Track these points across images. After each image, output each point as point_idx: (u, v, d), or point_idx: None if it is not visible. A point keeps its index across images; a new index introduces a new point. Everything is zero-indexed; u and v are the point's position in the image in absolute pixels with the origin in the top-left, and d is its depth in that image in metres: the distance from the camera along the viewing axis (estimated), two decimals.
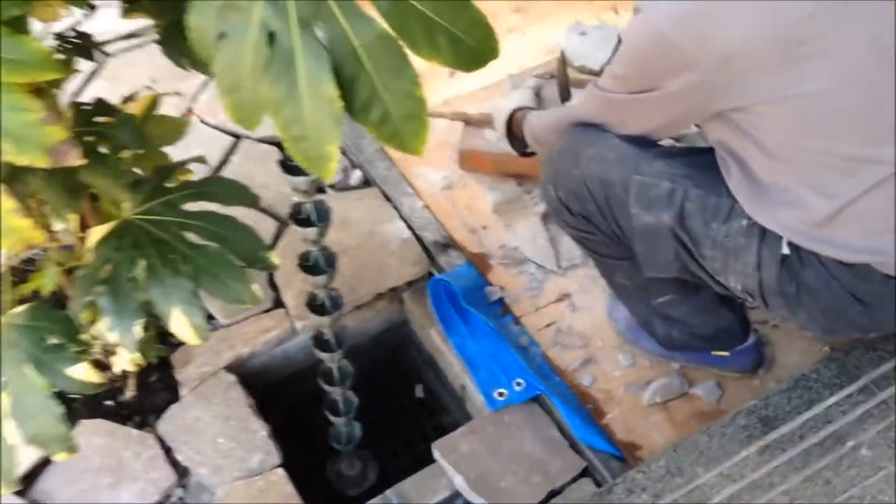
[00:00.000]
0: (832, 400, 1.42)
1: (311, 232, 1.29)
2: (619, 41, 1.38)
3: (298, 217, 1.28)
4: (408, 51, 1.01)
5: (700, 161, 1.41)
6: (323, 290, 1.44)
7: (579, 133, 1.47)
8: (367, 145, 2.19)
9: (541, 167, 1.57)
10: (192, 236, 1.25)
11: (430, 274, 1.94)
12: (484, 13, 1.02)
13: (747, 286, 1.36)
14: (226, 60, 0.94)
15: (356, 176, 2.15)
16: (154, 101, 1.43)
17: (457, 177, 2.09)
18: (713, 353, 1.65)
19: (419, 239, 1.98)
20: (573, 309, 1.82)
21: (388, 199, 2.08)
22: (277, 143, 1.07)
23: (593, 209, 1.45)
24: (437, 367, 1.96)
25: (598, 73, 2.24)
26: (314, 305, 1.45)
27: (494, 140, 1.99)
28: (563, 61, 1.92)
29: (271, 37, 0.94)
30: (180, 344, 1.67)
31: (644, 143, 1.43)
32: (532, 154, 1.75)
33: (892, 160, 1.21)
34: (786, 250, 1.30)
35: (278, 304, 1.87)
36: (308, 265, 1.38)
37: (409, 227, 2.01)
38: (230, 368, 1.76)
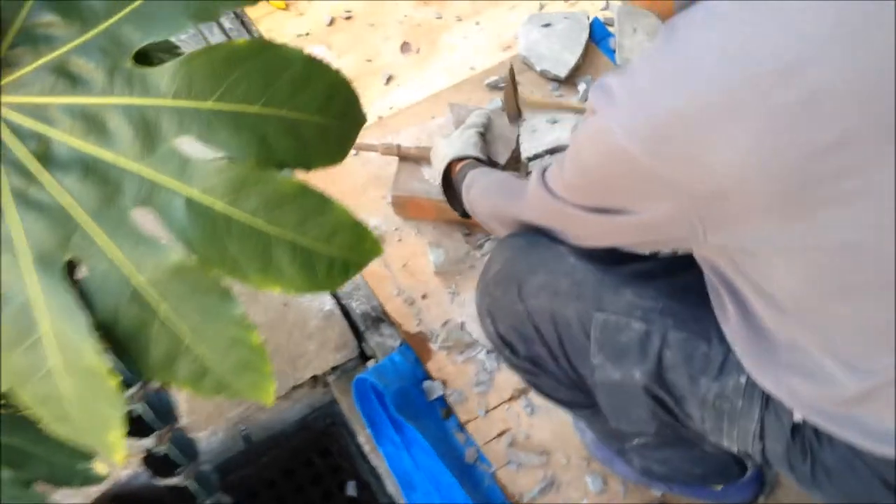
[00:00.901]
0: None
1: (149, 441, 0.92)
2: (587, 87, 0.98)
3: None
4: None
5: (684, 285, 1.05)
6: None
7: (521, 250, 1.10)
8: None
9: (479, 281, 1.19)
10: None
11: (362, 354, 1.59)
12: (349, 213, 0.64)
13: (747, 451, 1.03)
14: None
15: None
16: None
17: (391, 226, 1.70)
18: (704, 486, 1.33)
19: (345, 312, 1.62)
20: (531, 411, 1.48)
21: None
22: None
23: (543, 353, 1.09)
24: (372, 464, 1.63)
25: (561, 80, 1.83)
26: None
27: (434, 179, 1.61)
28: (514, 80, 1.51)
29: None
30: None
31: (608, 257, 1.06)
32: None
33: None
34: (798, 418, 0.96)
35: None
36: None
37: (333, 296, 1.64)
38: None
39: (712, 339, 1.00)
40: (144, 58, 0.62)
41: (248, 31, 2.03)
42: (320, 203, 0.63)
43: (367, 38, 2.00)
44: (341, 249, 0.64)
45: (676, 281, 1.07)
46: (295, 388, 1.57)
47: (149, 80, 0.61)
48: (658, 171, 0.85)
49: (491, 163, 1.54)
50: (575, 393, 1.13)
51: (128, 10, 0.62)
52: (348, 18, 2.03)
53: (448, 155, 1.46)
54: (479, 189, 1.29)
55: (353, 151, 1.68)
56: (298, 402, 1.62)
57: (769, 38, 0.78)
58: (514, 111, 1.61)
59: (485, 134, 1.55)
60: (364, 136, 1.78)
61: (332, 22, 2.02)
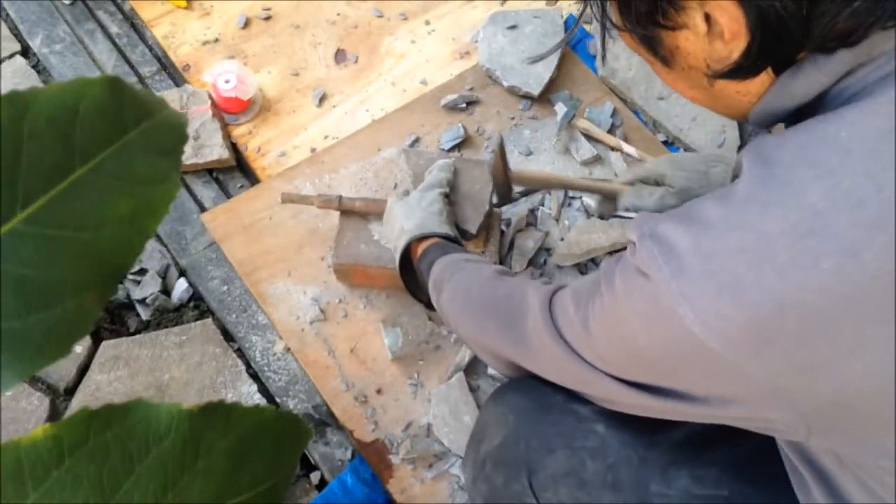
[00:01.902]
0: None
1: None
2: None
3: None
4: None
5: (750, 454, 0.79)
6: None
7: (528, 416, 0.82)
8: (193, 237, 1.42)
9: (468, 451, 0.88)
10: None
11: (305, 464, 1.27)
12: None
13: None
14: None
15: (179, 290, 1.40)
16: None
17: (333, 296, 1.36)
18: None
19: None
20: None
21: (228, 337, 1.35)
22: None
23: None
24: None
25: (534, 98, 1.50)
26: None
27: (385, 240, 1.27)
28: (503, 152, 1.17)
29: None
30: None
31: (647, 418, 0.77)
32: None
33: None
34: None
35: None
36: None
37: (264, 392, 1.30)
38: None
39: None
40: None
41: (141, 38, 1.62)
42: None
43: (292, 44, 1.61)
44: None
45: (740, 448, 0.79)
46: None
47: None
48: (750, 371, 0.58)
49: (460, 231, 1.21)
50: None
51: None
52: (267, 19, 1.64)
53: (407, 231, 1.12)
54: (455, 298, 0.96)
55: (279, 199, 1.33)
56: None
57: None
58: (504, 187, 1.22)
59: (449, 194, 1.21)
60: (295, 177, 1.43)
61: (246, 24, 1.63)
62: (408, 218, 1.14)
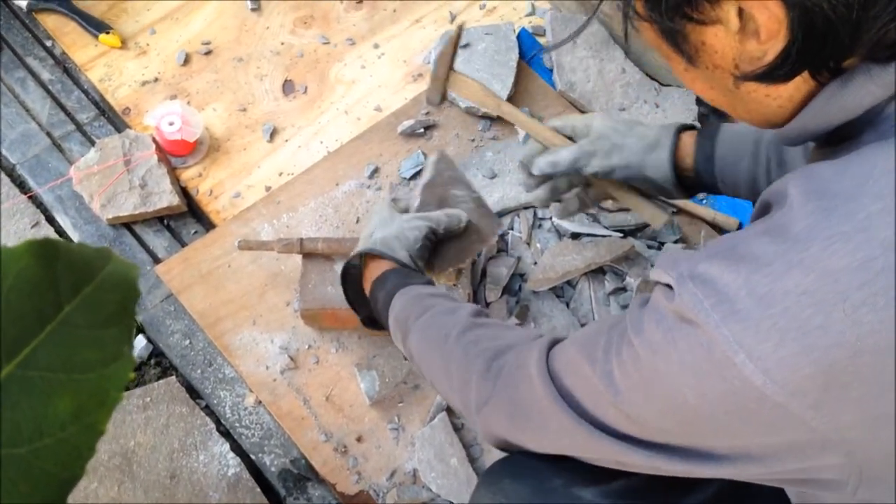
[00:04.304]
0: None
1: None
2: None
3: None
4: None
5: None
6: None
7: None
8: (148, 291, 1.34)
9: None
10: None
11: None
12: None
13: None
14: None
15: (138, 348, 1.32)
16: None
17: (303, 343, 1.29)
18: None
19: (256, 472, 1.21)
20: None
21: (194, 394, 1.28)
22: None
23: None
24: None
25: (493, 118, 1.46)
26: None
27: None
28: (455, 46, 1.10)
29: None
30: None
31: (650, 485, 0.73)
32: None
33: None
34: None
35: None
36: None
37: (237, 450, 1.23)
38: None
39: None
40: None
41: (76, 83, 1.54)
42: None
43: (237, 78, 1.54)
44: None
45: None
46: None
47: None
48: (815, 422, 0.53)
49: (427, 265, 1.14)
50: None
51: None
52: (208, 54, 1.57)
53: (372, 241, 1.05)
54: (428, 346, 0.90)
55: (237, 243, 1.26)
56: None
57: None
58: (438, 93, 1.15)
59: (435, 236, 1.13)
60: (252, 219, 1.36)
61: (186, 61, 1.55)
62: (381, 228, 1.07)
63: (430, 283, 1.02)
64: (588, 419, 0.66)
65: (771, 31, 0.55)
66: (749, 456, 0.59)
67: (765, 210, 0.59)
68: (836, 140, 0.61)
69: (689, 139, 1.02)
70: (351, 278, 1.09)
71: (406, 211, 1.14)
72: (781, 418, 0.53)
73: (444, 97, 1.15)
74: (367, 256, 1.06)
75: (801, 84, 0.60)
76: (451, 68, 1.12)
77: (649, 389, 0.60)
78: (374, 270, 1.04)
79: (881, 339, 0.48)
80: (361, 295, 1.08)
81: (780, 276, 0.51)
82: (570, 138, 1.07)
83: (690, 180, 1.03)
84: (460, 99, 1.47)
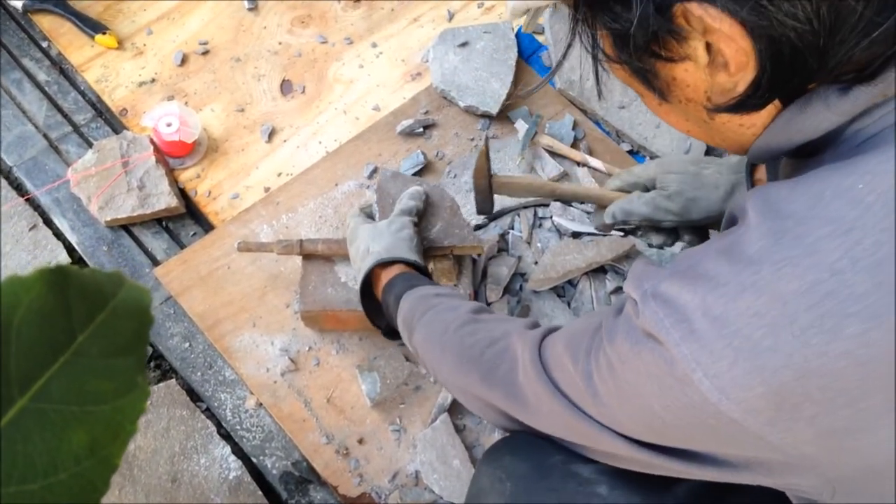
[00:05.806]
0: None
1: None
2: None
3: None
4: None
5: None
6: None
7: (525, 483, 0.79)
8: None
9: None
10: None
11: None
12: None
13: None
14: None
15: None
16: None
17: (303, 344, 1.29)
18: None
19: (257, 475, 1.21)
20: None
21: (195, 397, 1.27)
22: None
23: None
24: None
25: (493, 117, 1.45)
26: None
27: (353, 281, 1.21)
28: (487, 156, 1.12)
29: None
30: None
31: (650, 480, 0.73)
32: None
33: None
34: None
35: None
36: None
37: (238, 453, 1.22)
38: None
39: None
40: None
41: (73, 84, 1.53)
42: None
43: (234, 78, 1.54)
44: None
45: (749, 499, 0.74)
46: None
47: None
48: (773, 439, 0.54)
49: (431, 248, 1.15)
50: None
51: None
52: (205, 54, 1.56)
53: (374, 254, 1.06)
54: (431, 341, 0.91)
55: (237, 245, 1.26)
56: None
57: None
58: (485, 198, 1.15)
59: (418, 223, 1.15)
60: (251, 220, 1.35)
61: (183, 61, 1.54)
62: (375, 240, 1.08)
63: (433, 283, 1.03)
64: (577, 407, 0.67)
65: (740, 63, 0.55)
66: (728, 462, 0.59)
67: (731, 222, 0.60)
68: (805, 154, 0.61)
69: (761, 173, 1.02)
70: (366, 294, 1.09)
71: (371, 217, 1.19)
72: (740, 433, 0.54)
73: (493, 205, 1.15)
74: (376, 268, 1.07)
75: (772, 111, 0.60)
76: (490, 177, 1.12)
77: (622, 396, 0.62)
78: (382, 279, 1.06)
79: (828, 361, 0.49)
80: (378, 307, 1.08)
81: (733, 298, 0.51)
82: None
83: None
84: (459, 98, 1.46)
